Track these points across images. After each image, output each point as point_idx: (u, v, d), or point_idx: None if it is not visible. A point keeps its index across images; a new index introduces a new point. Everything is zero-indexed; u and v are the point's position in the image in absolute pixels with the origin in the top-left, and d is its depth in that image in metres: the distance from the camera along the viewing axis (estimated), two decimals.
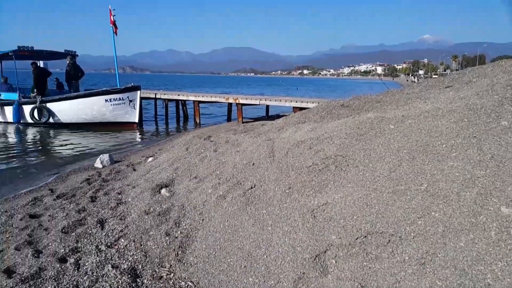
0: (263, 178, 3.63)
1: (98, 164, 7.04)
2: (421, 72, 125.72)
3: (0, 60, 15.05)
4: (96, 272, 2.90)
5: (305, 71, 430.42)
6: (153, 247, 3.21)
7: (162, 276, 2.86)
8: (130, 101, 12.98)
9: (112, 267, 2.95)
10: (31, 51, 13.24)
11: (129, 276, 2.83)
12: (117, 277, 2.81)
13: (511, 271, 1.89)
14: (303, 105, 12.49)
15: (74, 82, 13.92)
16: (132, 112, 13.18)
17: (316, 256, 2.53)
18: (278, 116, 15.13)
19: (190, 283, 2.76)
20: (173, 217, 3.60)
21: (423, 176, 2.76)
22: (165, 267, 2.96)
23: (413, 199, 2.57)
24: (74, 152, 9.40)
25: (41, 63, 14.23)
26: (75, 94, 13.23)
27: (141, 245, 3.27)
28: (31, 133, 12.29)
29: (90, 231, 3.60)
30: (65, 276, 2.87)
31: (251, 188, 3.55)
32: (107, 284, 2.74)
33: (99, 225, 3.72)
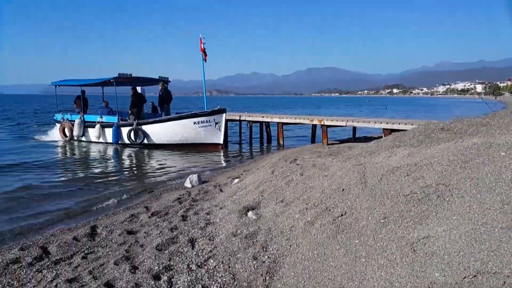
0: (354, 205, 3.44)
1: (187, 183, 7.40)
2: None
3: (102, 86, 16.81)
4: None
5: (395, 90, 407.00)
6: (241, 270, 3.20)
7: None
8: (216, 123, 13.60)
9: (203, 287, 3.00)
10: (129, 78, 14.55)
11: None
12: None
13: None
14: (395, 126, 11.39)
15: (166, 106, 15.07)
16: (218, 134, 13.76)
17: None
18: (365, 138, 14.52)
19: None
20: (260, 240, 3.57)
21: None
22: None
23: None
24: (165, 171, 10.03)
25: (139, 89, 15.69)
26: (167, 117, 14.33)
27: (229, 267, 3.28)
28: (127, 153, 13.47)
29: (182, 250, 3.72)
30: None
31: (342, 215, 3.39)
32: None
33: (189, 244, 3.84)
